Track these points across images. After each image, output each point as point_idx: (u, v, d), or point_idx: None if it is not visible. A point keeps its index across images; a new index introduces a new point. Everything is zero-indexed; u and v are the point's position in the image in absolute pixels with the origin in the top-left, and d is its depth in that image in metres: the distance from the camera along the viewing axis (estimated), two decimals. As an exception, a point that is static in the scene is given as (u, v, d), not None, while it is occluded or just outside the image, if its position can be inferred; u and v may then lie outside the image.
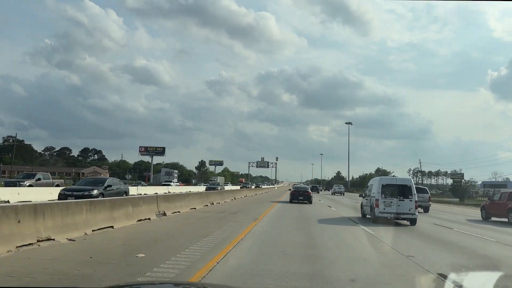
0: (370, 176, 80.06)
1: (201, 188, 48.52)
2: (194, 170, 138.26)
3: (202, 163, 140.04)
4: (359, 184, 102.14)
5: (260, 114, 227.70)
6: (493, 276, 5.47)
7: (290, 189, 38.01)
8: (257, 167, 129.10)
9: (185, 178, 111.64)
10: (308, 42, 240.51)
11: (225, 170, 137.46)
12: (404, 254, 8.24)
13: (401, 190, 15.20)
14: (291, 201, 28.71)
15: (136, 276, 5.35)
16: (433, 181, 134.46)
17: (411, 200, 14.98)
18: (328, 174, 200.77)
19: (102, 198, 13.47)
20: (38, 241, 7.17)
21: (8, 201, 16.77)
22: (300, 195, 29.07)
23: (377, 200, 15.08)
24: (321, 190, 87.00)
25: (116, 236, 9.14)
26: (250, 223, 13.04)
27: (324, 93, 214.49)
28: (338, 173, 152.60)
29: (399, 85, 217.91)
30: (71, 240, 7.95)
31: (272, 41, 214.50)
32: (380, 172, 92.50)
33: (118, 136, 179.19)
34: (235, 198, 30.88)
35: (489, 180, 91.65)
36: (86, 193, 17.00)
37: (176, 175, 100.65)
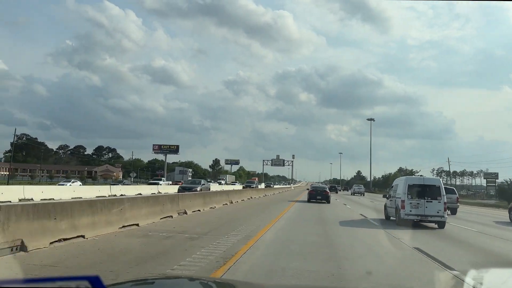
0: (395, 175, 78.04)
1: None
2: (209, 169, 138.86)
3: (216, 162, 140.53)
4: (382, 184, 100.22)
5: (278, 113, 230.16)
6: None
7: (308, 189, 38.55)
8: (272, 165, 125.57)
9: (199, 176, 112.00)
10: (326, 40, 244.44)
11: (240, 169, 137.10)
12: (445, 268, 7.54)
13: (429, 191, 14.53)
14: (309, 201, 29.18)
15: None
16: (458, 181, 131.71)
17: (439, 202, 14.31)
18: (348, 174, 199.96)
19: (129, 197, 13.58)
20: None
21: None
22: (318, 195, 29.48)
23: (403, 201, 14.43)
24: (340, 190, 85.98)
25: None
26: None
27: (342, 92, 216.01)
28: (359, 172, 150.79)
29: (419, 83, 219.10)
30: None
31: (289, 40, 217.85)
32: (403, 172, 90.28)
33: (138, 135, 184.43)
34: (231, 202, 22.20)
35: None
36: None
37: (190, 174, 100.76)
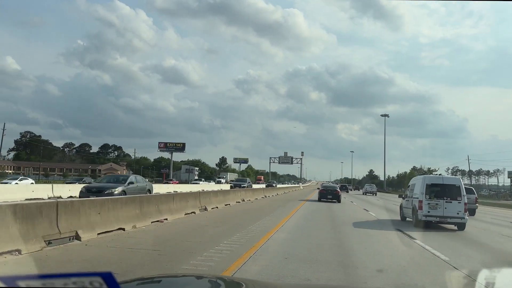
0: (411, 174, 76.48)
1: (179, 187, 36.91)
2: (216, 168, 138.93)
3: (223, 160, 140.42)
4: (396, 184, 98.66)
5: (288, 112, 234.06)
6: None
7: (318, 188, 38.46)
8: (279, 163, 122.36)
9: (207, 175, 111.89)
10: (337, 38, 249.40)
11: (249, 167, 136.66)
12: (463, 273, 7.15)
13: (448, 191, 14.05)
14: (319, 200, 29.54)
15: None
16: (473, 180, 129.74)
17: (459, 202, 13.80)
18: (359, 173, 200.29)
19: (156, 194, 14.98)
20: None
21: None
22: (328, 194, 29.88)
23: (420, 201, 13.96)
24: (351, 190, 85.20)
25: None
26: None
27: (353, 90, 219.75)
28: (371, 171, 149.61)
29: (432, 82, 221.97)
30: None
31: (300, 38, 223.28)
32: (418, 171, 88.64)
33: (149, 135, 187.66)
34: (204, 209, 16.02)
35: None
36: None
37: (197, 172, 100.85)
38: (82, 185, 21.79)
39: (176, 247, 8.11)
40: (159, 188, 29.20)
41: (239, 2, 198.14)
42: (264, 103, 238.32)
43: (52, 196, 19.67)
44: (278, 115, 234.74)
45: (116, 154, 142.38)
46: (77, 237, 7.78)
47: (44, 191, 20.04)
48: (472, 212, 22.18)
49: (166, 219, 12.02)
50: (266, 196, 32.98)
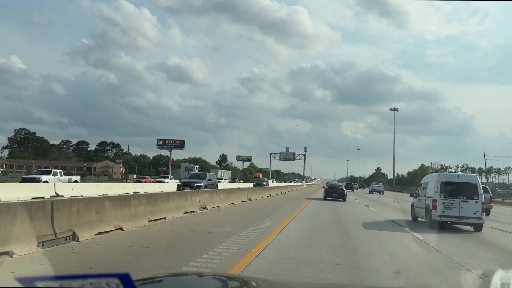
0: (424, 172, 75.33)
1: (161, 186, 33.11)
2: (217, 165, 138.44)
3: (223, 157, 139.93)
4: (406, 182, 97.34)
5: (293, 110, 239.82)
6: None
7: (324, 187, 38.90)
8: (280, 159, 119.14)
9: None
10: (342, 36, 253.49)
11: (251, 165, 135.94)
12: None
13: (464, 189, 13.58)
14: (325, 198, 30.54)
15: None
16: (483, 178, 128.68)
17: (476, 202, 13.33)
18: (365, 172, 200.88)
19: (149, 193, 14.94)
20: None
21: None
22: (334, 192, 30.86)
23: (434, 200, 13.50)
24: (357, 188, 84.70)
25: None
26: None
27: (358, 88, 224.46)
28: (378, 169, 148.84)
29: (438, 79, 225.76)
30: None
31: (304, 35, 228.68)
32: (431, 169, 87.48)
33: (154, 133, 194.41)
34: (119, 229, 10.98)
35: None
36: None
37: (197, 171, 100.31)
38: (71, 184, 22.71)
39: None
40: (108, 189, 24.19)
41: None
42: (269, 102, 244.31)
43: (55, 195, 19.78)
44: (283, 114, 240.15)
45: (115, 151, 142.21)
46: (74, 237, 7.72)
47: (47, 190, 20.25)
48: (487, 212, 21.67)
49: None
50: (249, 200, 24.43)
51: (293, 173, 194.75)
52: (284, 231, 11.20)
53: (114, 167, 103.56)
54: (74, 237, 7.68)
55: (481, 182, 14.99)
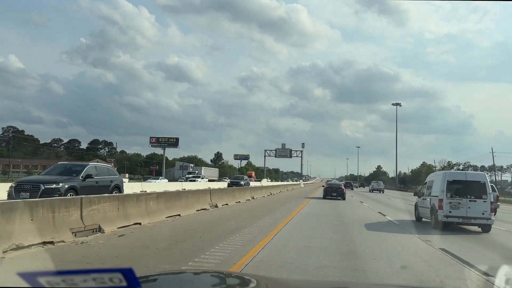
0: (429, 170, 74.57)
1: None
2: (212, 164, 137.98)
3: (218, 156, 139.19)
4: (410, 181, 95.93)
5: (292, 109, 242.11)
6: None
7: (323, 186, 39.31)
8: (276, 156, 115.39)
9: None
10: (341, 34, 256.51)
11: (248, 164, 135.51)
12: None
13: (472, 188, 13.12)
14: (324, 197, 31.32)
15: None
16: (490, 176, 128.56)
17: (485, 201, 12.87)
18: (365, 170, 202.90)
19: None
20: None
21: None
22: (333, 191, 31.65)
23: (440, 200, 13.02)
24: (356, 187, 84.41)
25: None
26: None
27: (358, 87, 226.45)
28: (379, 167, 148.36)
29: (437, 78, 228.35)
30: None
31: (304, 34, 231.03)
32: (438, 165, 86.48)
33: (153, 132, 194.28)
34: None
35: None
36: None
37: (191, 169, 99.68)
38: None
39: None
40: None
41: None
42: (268, 101, 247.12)
43: (143, 190, 21.43)
44: (282, 112, 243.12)
45: (107, 150, 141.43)
46: (100, 230, 8.95)
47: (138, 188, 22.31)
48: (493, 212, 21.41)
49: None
50: (213, 207, 17.08)
51: (292, 172, 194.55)
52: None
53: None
54: (100, 230, 8.95)
55: (490, 181, 14.57)
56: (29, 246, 6.90)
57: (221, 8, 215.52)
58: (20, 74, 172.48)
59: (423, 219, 15.33)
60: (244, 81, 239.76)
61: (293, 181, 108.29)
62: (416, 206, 16.63)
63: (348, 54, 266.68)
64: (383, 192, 59.41)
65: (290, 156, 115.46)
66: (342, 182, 51.66)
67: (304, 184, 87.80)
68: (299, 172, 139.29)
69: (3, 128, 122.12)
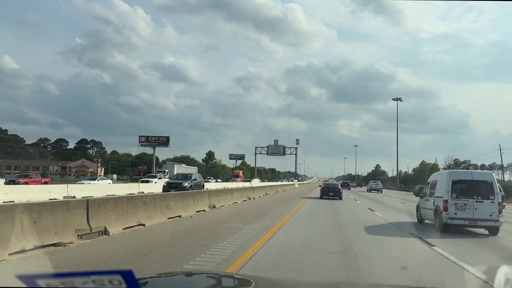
0: (434, 168, 73.98)
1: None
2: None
3: (210, 155, 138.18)
4: (412, 180, 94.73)
5: (289, 109, 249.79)
6: None
7: (320, 185, 40.01)
8: (268, 154, 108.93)
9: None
10: (337, 33, 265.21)
11: (242, 164, 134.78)
12: None
13: (478, 188, 12.88)
14: (321, 197, 32.12)
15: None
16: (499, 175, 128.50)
17: (493, 202, 12.62)
18: (362, 170, 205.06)
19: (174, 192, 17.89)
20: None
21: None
22: (330, 191, 32.50)
23: (445, 201, 12.72)
24: (353, 187, 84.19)
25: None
26: None
27: (354, 86, 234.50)
28: (377, 166, 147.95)
29: (433, 77, 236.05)
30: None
31: (300, 33, 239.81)
32: (430, 166, 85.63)
33: (150, 133, 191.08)
34: None
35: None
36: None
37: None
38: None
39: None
40: (115, 189, 26.27)
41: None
42: (265, 100, 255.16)
43: (67, 196, 21.45)
44: (279, 112, 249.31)
45: (96, 150, 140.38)
46: (106, 232, 9.27)
47: (60, 192, 21.88)
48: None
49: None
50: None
51: (289, 172, 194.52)
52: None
53: (91, 167, 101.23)
54: (106, 232, 9.27)
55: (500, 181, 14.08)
56: (32, 249, 6.99)
57: (216, 8, 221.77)
58: (15, 74, 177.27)
59: (426, 221, 15.14)
60: (241, 81, 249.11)
61: (288, 181, 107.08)
62: (418, 207, 16.34)
63: (344, 53, 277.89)
64: (381, 192, 59.66)
65: (284, 154, 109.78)
66: (339, 182, 52.33)
67: (299, 184, 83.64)
68: (297, 172, 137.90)
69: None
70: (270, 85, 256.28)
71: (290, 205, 22.69)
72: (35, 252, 6.91)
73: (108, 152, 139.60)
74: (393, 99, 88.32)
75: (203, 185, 31.91)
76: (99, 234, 9.00)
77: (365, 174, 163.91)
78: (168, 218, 12.86)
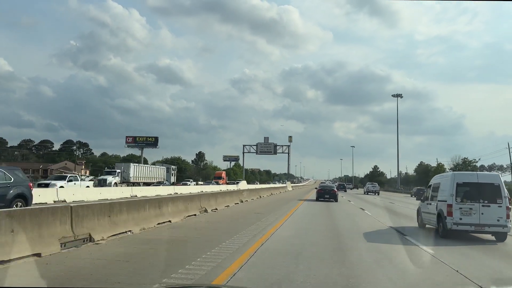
0: (439, 169, 73.61)
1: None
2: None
3: (200, 156, 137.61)
4: (414, 182, 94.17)
5: (285, 111, 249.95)
6: None
7: (316, 188, 41.80)
8: (257, 153, 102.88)
9: (187, 175, 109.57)
10: (333, 35, 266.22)
11: (236, 165, 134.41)
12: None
13: (485, 191, 12.59)
14: (317, 199, 33.36)
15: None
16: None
17: (500, 206, 12.33)
18: (359, 172, 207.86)
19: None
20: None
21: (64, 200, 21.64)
22: (326, 193, 33.96)
23: (449, 205, 12.46)
24: (350, 189, 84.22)
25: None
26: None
27: (350, 88, 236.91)
28: (375, 168, 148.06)
29: (428, 79, 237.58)
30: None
31: (296, 35, 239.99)
32: (435, 166, 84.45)
33: (146, 135, 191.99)
34: None
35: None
36: None
37: (173, 172, 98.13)
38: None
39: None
40: (108, 193, 27.85)
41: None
42: (261, 103, 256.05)
43: (58, 200, 21.56)
44: (275, 114, 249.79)
45: (82, 151, 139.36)
46: (91, 239, 9.14)
47: (51, 196, 21.91)
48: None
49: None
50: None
51: (285, 174, 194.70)
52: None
53: (72, 169, 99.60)
54: (91, 239, 9.14)
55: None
56: (11, 260, 6.73)
57: (211, 10, 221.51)
58: (9, 77, 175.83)
59: (427, 226, 14.95)
60: (237, 83, 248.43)
61: (280, 183, 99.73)
62: (418, 211, 16.08)
63: (339, 55, 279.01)
64: (378, 194, 59.83)
65: (275, 153, 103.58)
66: (335, 184, 53.11)
67: (292, 186, 78.44)
68: (292, 173, 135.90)
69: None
70: (266, 87, 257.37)
71: (285, 209, 22.42)
72: (13, 264, 6.65)
73: (98, 154, 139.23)
74: (393, 96, 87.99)
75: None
76: (83, 241, 8.86)
77: (362, 175, 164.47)
78: (158, 224, 12.87)
